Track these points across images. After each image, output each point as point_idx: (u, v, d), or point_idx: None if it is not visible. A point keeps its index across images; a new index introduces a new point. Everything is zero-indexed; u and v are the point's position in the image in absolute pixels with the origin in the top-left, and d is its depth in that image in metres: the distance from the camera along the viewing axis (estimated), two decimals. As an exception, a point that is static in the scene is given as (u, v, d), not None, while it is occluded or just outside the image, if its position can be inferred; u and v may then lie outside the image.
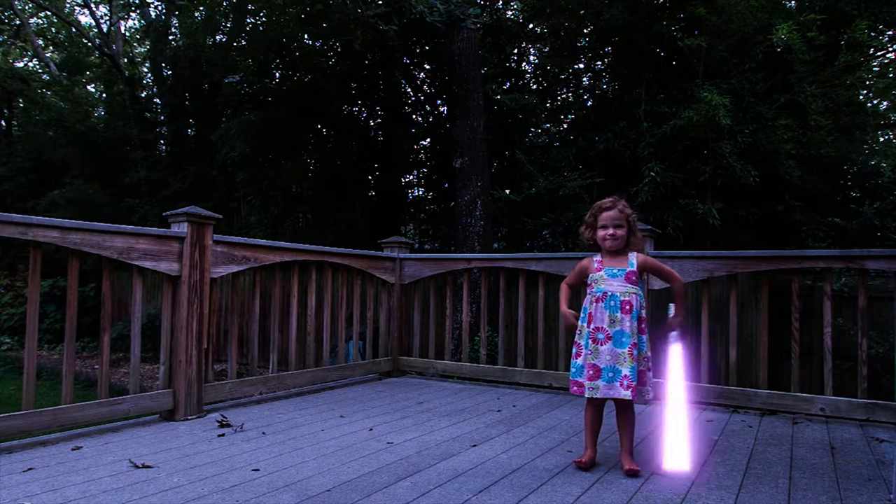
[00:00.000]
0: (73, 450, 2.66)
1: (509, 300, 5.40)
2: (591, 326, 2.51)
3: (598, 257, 2.62)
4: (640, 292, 2.56)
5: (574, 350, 2.58)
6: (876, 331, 4.76)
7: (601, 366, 2.46)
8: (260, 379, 3.85)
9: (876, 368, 4.40)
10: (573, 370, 2.55)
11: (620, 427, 2.57)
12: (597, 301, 2.53)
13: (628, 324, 2.47)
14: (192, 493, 2.15)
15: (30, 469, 2.38)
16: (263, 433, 3.02)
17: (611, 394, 2.44)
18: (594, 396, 2.47)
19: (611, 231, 2.53)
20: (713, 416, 3.62)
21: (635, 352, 2.45)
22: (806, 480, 2.42)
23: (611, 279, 2.52)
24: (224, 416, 3.29)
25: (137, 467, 2.42)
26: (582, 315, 2.59)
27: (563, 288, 2.75)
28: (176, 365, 3.28)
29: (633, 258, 2.56)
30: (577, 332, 2.58)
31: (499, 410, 3.67)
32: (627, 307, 2.48)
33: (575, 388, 2.54)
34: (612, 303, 2.49)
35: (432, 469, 2.48)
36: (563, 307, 2.69)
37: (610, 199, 2.60)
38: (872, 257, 3.42)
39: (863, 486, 2.37)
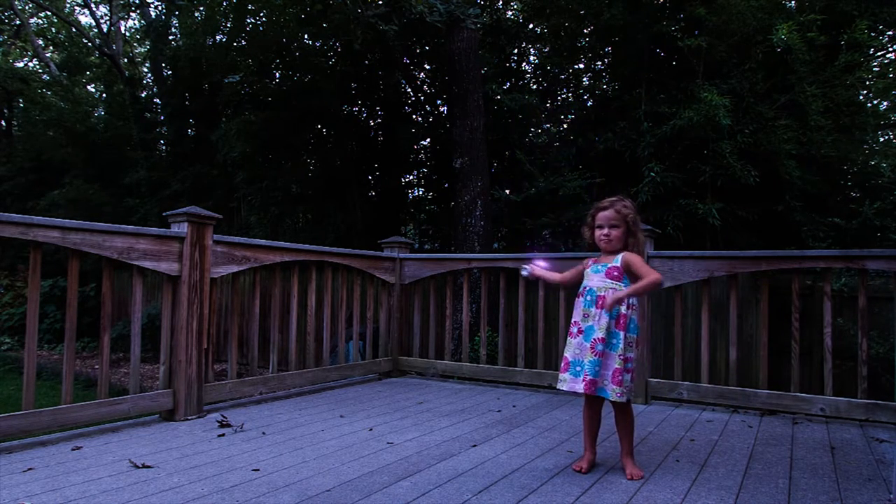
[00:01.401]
0: (73, 450, 2.66)
1: (509, 300, 5.40)
2: (572, 320, 2.55)
3: (595, 257, 2.65)
4: (623, 288, 2.48)
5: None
6: (876, 331, 4.76)
7: (570, 359, 2.49)
8: (260, 379, 3.85)
9: (876, 368, 4.41)
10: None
11: (619, 429, 2.55)
12: (578, 296, 2.57)
13: (598, 318, 2.45)
14: (192, 493, 2.15)
15: (30, 469, 2.38)
16: (263, 433, 3.02)
17: (575, 388, 2.44)
18: (560, 388, 2.50)
19: (605, 231, 2.52)
20: (713, 416, 3.62)
21: (599, 346, 2.41)
22: (806, 480, 2.42)
23: (593, 275, 2.55)
24: (224, 416, 3.29)
25: (137, 467, 2.42)
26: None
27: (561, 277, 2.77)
28: (176, 365, 3.28)
29: (619, 256, 2.53)
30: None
31: (499, 411, 3.67)
32: (601, 302, 2.47)
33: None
34: (589, 297, 2.51)
35: (432, 469, 2.48)
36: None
37: (610, 199, 2.57)
38: (872, 257, 3.42)
39: (863, 486, 2.37)
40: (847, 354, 4.49)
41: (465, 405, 3.81)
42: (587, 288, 2.54)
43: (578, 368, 2.45)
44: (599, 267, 2.55)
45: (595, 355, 2.41)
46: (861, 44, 5.93)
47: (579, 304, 2.54)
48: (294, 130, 9.01)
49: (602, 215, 2.53)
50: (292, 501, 2.09)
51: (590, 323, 2.47)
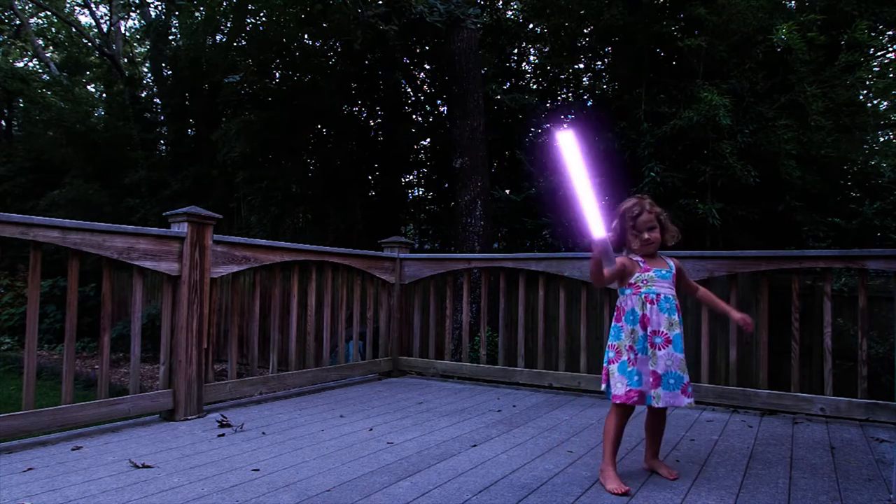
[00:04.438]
0: (73, 450, 2.66)
1: (509, 300, 5.40)
2: (649, 329, 2.35)
3: (636, 258, 2.45)
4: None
5: (628, 357, 2.35)
6: (876, 331, 4.75)
7: (660, 372, 2.32)
8: (260, 379, 3.85)
9: (876, 368, 4.40)
10: (634, 378, 2.32)
11: (655, 430, 2.50)
12: (651, 303, 2.38)
13: (679, 326, 2.39)
14: (192, 493, 2.15)
15: (30, 469, 2.38)
16: (263, 433, 3.02)
17: (674, 402, 2.32)
18: (655, 406, 2.32)
19: (646, 236, 2.41)
20: (713, 416, 3.62)
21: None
22: (806, 480, 2.42)
23: (661, 280, 2.41)
24: (224, 416, 3.29)
25: (137, 467, 2.42)
26: (631, 317, 2.39)
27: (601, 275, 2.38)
28: (176, 365, 3.28)
29: (671, 261, 2.49)
30: (629, 335, 2.37)
31: (499, 410, 3.67)
32: (679, 311, 2.41)
33: (635, 397, 2.30)
34: (668, 305, 2.38)
35: (432, 469, 2.48)
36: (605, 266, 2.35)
37: (633, 202, 2.45)
38: (872, 257, 3.42)
39: (863, 486, 2.37)
40: (847, 354, 4.49)
41: (465, 405, 3.81)
42: (662, 295, 2.39)
43: (673, 381, 2.33)
44: (664, 272, 2.43)
45: (685, 362, 2.39)
46: (861, 44, 5.94)
47: (656, 311, 2.36)
48: (294, 130, 9.01)
49: (641, 221, 2.41)
50: (292, 501, 2.09)
51: (677, 332, 2.37)
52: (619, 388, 2.34)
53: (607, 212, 2.50)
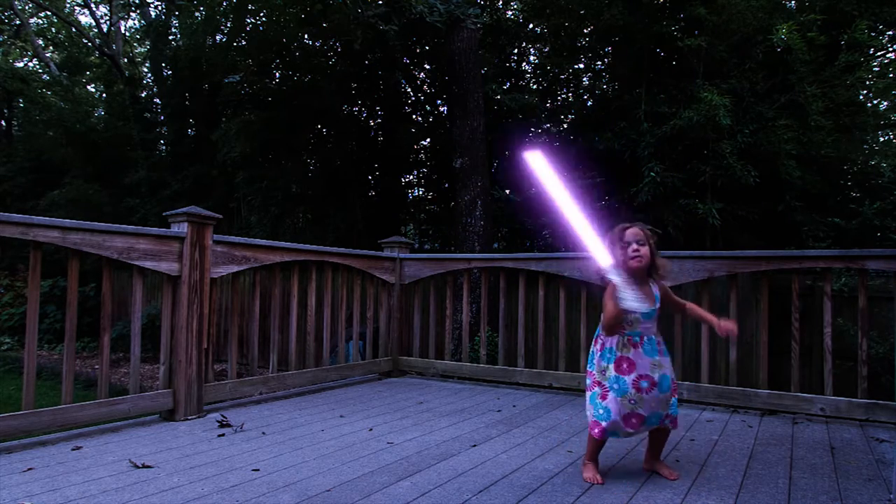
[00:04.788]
0: (73, 450, 2.66)
1: (509, 300, 5.40)
2: (634, 374, 2.32)
3: (626, 290, 2.33)
4: None
5: (598, 391, 2.38)
6: (876, 331, 4.75)
7: (646, 414, 2.32)
8: (260, 379, 3.85)
9: (876, 368, 4.40)
10: (600, 411, 2.35)
11: (658, 438, 2.50)
12: (634, 346, 2.35)
13: (667, 363, 2.39)
14: (192, 493, 2.15)
15: (30, 469, 2.38)
16: (263, 433, 3.02)
17: (650, 429, 2.43)
18: (625, 437, 2.41)
19: (635, 247, 2.35)
20: (713, 416, 3.62)
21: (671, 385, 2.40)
22: (806, 480, 2.42)
23: (646, 321, 2.37)
24: (224, 416, 3.29)
25: (137, 467, 2.42)
26: (608, 354, 2.38)
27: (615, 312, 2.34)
28: (176, 365, 3.28)
29: (657, 290, 2.42)
30: (601, 371, 2.38)
31: (499, 410, 3.67)
32: (663, 347, 2.40)
33: (596, 430, 2.36)
34: (651, 347, 2.36)
35: (432, 469, 2.48)
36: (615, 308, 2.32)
37: (626, 223, 2.45)
38: (872, 257, 3.42)
39: (863, 486, 2.37)
40: (847, 354, 4.49)
41: (465, 405, 3.81)
42: (646, 338, 2.37)
43: (655, 419, 2.36)
44: (650, 311, 2.37)
45: (674, 395, 2.41)
46: (861, 44, 5.94)
47: (640, 354, 2.34)
48: (294, 130, 9.01)
49: (630, 232, 2.38)
50: (292, 501, 2.09)
51: (662, 372, 2.35)
52: (589, 413, 2.42)
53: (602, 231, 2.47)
